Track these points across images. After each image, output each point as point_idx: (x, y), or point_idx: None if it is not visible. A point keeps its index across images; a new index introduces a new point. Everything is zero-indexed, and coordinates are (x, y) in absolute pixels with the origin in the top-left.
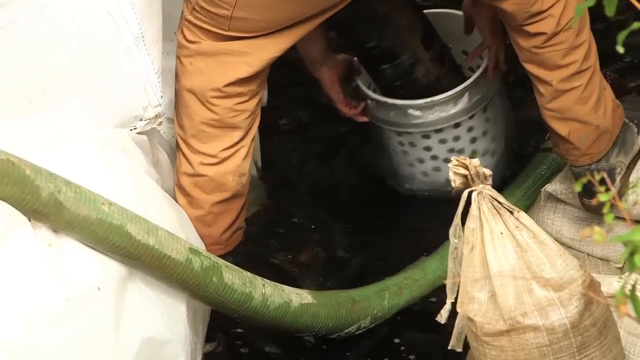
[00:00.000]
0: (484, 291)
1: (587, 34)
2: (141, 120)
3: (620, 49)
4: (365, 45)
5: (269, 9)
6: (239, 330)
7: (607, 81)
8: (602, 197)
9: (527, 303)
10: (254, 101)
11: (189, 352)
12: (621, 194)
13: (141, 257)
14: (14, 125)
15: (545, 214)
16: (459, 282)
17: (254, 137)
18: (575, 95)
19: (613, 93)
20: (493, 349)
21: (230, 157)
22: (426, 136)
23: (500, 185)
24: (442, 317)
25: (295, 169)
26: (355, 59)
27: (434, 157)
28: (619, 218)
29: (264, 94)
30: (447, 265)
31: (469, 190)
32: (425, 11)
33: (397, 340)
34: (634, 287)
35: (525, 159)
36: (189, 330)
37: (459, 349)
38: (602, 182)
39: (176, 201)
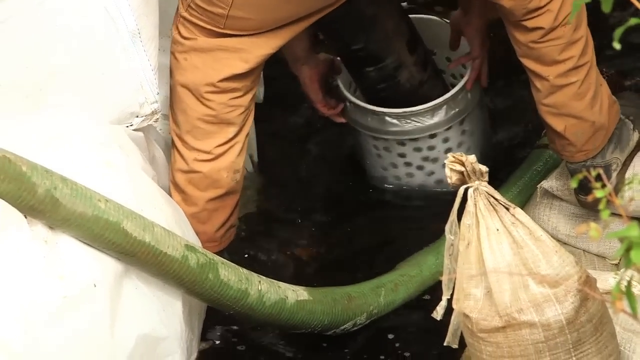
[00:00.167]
0: (479, 287)
1: (584, 30)
2: (137, 116)
3: (617, 46)
4: (351, 47)
5: (265, 8)
6: (235, 327)
7: (604, 77)
8: (598, 194)
9: (523, 299)
10: (248, 97)
11: (185, 349)
12: (617, 190)
13: (137, 254)
14: (10, 121)
15: (541, 211)
16: (455, 279)
17: (248, 134)
18: (571, 91)
19: (610, 89)
20: (489, 345)
21: (224, 153)
22: (401, 143)
23: (497, 182)
24: (438, 313)
25: (292, 164)
26: (338, 58)
27: (408, 164)
28: (615, 214)
29: (260, 90)
30: (443, 261)
31: (465, 186)
32: (410, 16)
33: (392, 337)
34: (629, 283)
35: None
36: (185, 326)
37: (455, 346)
38: (598, 178)
39: (172, 198)
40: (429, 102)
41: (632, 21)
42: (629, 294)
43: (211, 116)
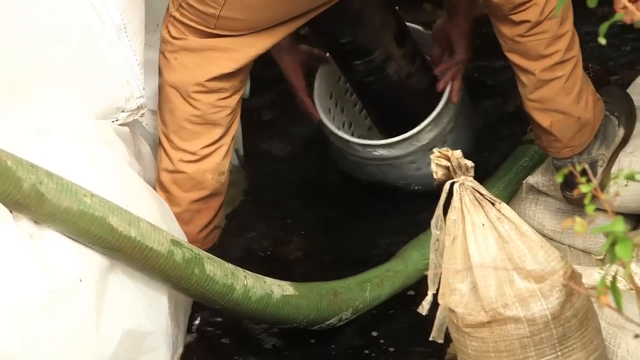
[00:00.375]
0: (465, 282)
1: (570, 25)
2: (123, 111)
3: (602, 41)
4: (339, 41)
5: (256, 9)
6: (220, 319)
7: (590, 73)
8: (584, 189)
9: (509, 294)
10: (235, 98)
11: (171, 344)
12: (603, 186)
13: (123, 249)
14: None
15: (527, 206)
16: (441, 274)
17: (234, 137)
18: (558, 86)
19: (595, 85)
20: (474, 340)
21: (210, 155)
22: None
23: (482, 177)
24: (424, 308)
25: (278, 160)
26: (317, 50)
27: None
28: (600, 210)
29: (246, 87)
30: (429, 256)
31: (450, 181)
32: None
33: (377, 333)
34: (614, 278)
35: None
36: (171, 321)
37: (440, 341)
38: (584, 173)
39: None
40: (417, 94)
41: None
42: (614, 289)
43: (198, 117)
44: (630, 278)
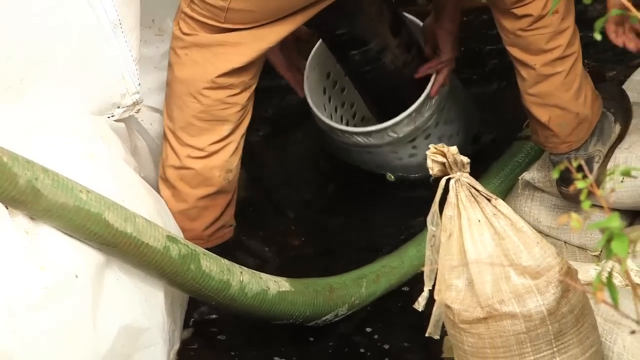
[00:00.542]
0: (461, 278)
1: (571, 21)
2: (119, 107)
3: (597, 37)
4: (335, 32)
5: (265, 0)
6: (216, 315)
7: (586, 69)
8: (580, 184)
9: (505, 290)
10: (246, 95)
11: (167, 340)
12: (599, 182)
13: (119, 245)
14: None
15: (523, 202)
16: (437, 270)
17: (244, 134)
18: (558, 81)
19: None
20: (470, 336)
21: (218, 151)
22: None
23: (478, 173)
24: (420, 304)
25: (275, 156)
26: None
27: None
28: (596, 206)
29: None
30: (425, 252)
31: (446, 177)
32: None
33: (372, 329)
34: (610, 274)
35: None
36: (167, 317)
37: (436, 337)
38: (580, 169)
39: (159, 193)
40: (413, 82)
41: (613, 12)
42: (610, 284)
43: (206, 113)
44: (626, 274)
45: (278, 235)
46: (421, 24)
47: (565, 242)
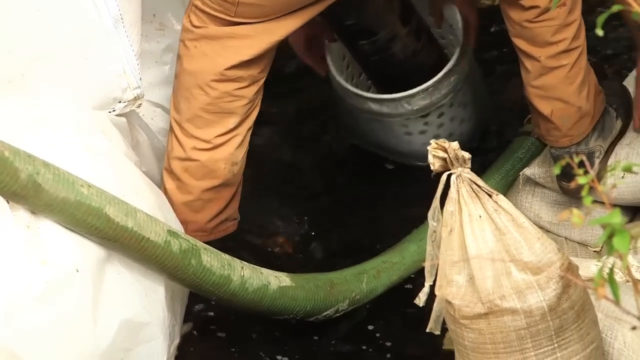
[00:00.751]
0: (462, 274)
1: (577, 14)
2: (120, 102)
3: (599, 32)
4: (344, 22)
5: None
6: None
7: None
8: (581, 180)
9: (505, 286)
10: (254, 89)
11: (167, 334)
12: (600, 177)
13: (120, 239)
14: None
15: (524, 198)
16: (438, 265)
17: (250, 128)
18: (562, 74)
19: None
20: (471, 332)
21: (224, 143)
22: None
23: (479, 168)
24: (421, 300)
25: (272, 149)
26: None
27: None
28: (597, 202)
29: None
30: (426, 248)
31: (448, 173)
32: None
33: (374, 325)
34: (611, 269)
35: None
36: (167, 312)
37: (437, 332)
38: (581, 165)
39: (163, 185)
40: (423, 70)
41: (615, 8)
42: (611, 280)
43: (214, 105)
44: (627, 270)
45: (279, 230)
46: None
47: (566, 238)
